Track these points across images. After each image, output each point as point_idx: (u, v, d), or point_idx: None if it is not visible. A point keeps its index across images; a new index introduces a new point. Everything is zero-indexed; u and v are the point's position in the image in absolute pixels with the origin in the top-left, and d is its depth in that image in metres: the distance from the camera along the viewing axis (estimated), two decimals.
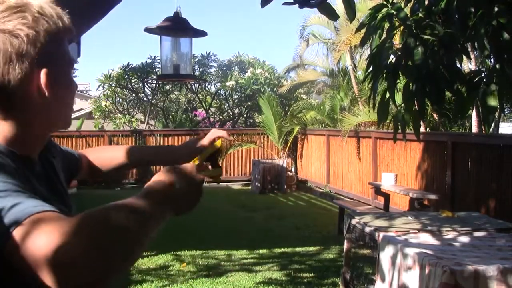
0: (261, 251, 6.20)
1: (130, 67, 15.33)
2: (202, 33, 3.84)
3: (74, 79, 1.02)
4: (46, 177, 1.00)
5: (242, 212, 9.05)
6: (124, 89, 16.59)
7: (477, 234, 3.43)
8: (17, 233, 0.69)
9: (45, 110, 0.92)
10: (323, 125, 12.31)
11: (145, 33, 3.79)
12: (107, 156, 1.39)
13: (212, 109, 17.36)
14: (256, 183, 11.70)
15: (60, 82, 0.94)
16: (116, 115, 16.25)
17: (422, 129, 7.79)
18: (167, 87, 16.61)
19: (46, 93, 0.90)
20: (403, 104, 2.80)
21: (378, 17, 2.64)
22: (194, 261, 5.74)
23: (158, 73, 14.03)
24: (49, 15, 0.91)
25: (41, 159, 1.00)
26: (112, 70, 15.58)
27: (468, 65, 9.79)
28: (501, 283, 2.43)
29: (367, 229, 3.63)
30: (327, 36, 14.80)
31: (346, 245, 4.09)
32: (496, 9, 2.39)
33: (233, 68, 17.07)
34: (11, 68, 0.86)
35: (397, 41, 4.29)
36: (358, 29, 3.04)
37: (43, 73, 0.89)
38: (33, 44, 0.87)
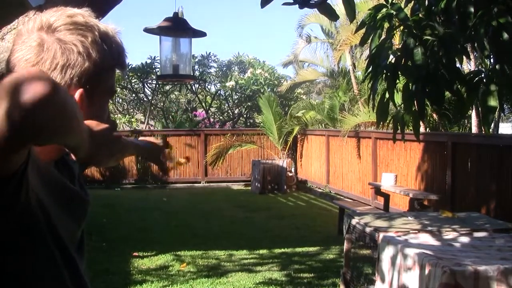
0: (261, 251, 6.20)
1: (130, 67, 15.32)
2: (201, 34, 3.85)
3: None
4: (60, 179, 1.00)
5: (242, 213, 9.05)
6: (124, 89, 16.60)
7: (477, 234, 3.43)
8: None
9: None
10: (323, 125, 12.31)
11: (145, 33, 3.80)
12: None
13: (212, 110, 17.37)
14: (256, 184, 11.70)
15: (92, 108, 0.94)
16: (116, 115, 16.26)
17: (422, 129, 7.79)
18: (167, 87, 16.62)
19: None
20: (402, 104, 2.80)
21: (378, 17, 2.65)
22: (194, 261, 5.74)
23: (158, 73, 14.03)
24: (109, 44, 0.94)
25: (58, 163, 1.00)
26: None
27: (467, 65, 9.79)
28: (501, 283, 2.43)
29: (367, 230, 3.63)
30: (328, 34, 14.79)
31: (346, 245, 4.09)
32: (495, 9, 2.39)
33: (233, 68, 17.08)
34: (52, 76, 0.89)
35: (396, 41, 4.29)
36: (358, 29, 3.05)
37: (78, 93, 0.90)
38: (81, 63, 0.90)
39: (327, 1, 2.54)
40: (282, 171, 11.73)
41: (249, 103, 15.97)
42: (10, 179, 0.73)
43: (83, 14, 0.92)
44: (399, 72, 2.70)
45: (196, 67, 15.84)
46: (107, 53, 0.93)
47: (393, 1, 2.66)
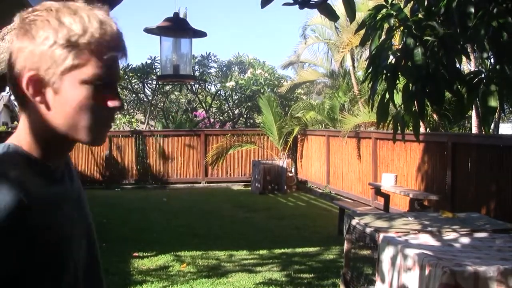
0: (261, 251, 6.20)
1: (130, 67, 15.34)
2: (201, 34, 3.85)
3: None
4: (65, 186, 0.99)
5: (242, 213, 9.05)
6: (124, 90, 16.60)
7: (477, 234, 3.42)
8: None
9: (41, 114, 0.90)
10: (323, 126, 12.31)
11: (145, 33, 3.80)
12: None
13: (212, 110, 17.38)
14: (256, 184, 11.70)
15: (62, 93, 0.89)
16: (116, 115, 16.26)
17: (422, 129, 7.79)
18: (167, 87, 16.63)
19: (33, 97, 0.89)
20: (402, 105, 2.80)
21: (378, 18, 2.64)
22: (194, 262, 5.74)
23: (158, 73, 14.04)
24: (68, 21, 0.87)
25: (64, 170, 0.99)
26: None
27: (467, 65, 9.79)
28: (501, 284, 2.43)
29: (367, 230, 3.63)
30: (328, 36, 14.80)
31: (346, 245, 4.09)
32: (495, 9, 2.39)
33: (233, 68, 17.09)
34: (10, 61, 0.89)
35: (396, 41, 4.29)
36: (358, 30, 3.04)
37: (27, 76, 0.88)
38: (30, 43, 0.88)
39: (327, 2, 2.54)
40: (282, 172, 11.73)
41: (249, 103, 15.98)
42: None
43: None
44: (399, 73, 2.70)
45: (196, 67, 15.85)
46: (58, 31, 0.87)
47: (393, 2, 2.66)
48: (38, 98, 0.89)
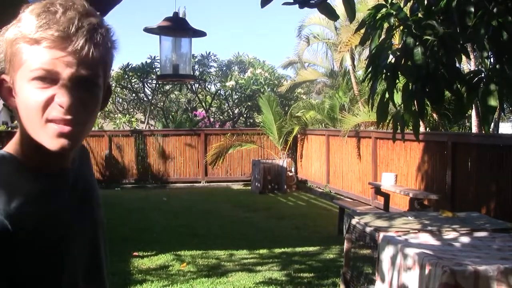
0: (261, 251, 6.20)
1: (130, 67, 15.34)
2: (201, 33, 3.85)
3: None
4: (73, 194, 0.97)
5: (242, 212, 9.05)
6: (124, 89, 16.61)
7: (477, 234, 3.43)
8: None
9: (20, 120, 0.87)
10: (323, 125, 12.31)
11: (145, 33, 3.80)
12: None
13: (212, 109, 17.37)
14: (256, 183, 11.70)
15: (18, 94, 0.86)
16: (116, 115, 16.27)
17: (422, 129, 7.79)
18: (167, 87, 16.63)
19: (6, 101, 0.89)
20: (402, 104, 2.80)
21: (378, 17, 2.64)
22: (194, 261, 5.74)
23: (158, 73, 14.03)
24: (23, 18, 0.85)
25: (66, 172, 0.96)
26: (112, 70, 15.47)
27: (468, 65, 9.79)
28: (501, 283, 2.43)
29: (367, 229, 3.63)
30: (327, 35, 14.80)
31: (346, 245, 4.09)
32: (495, 9, 2.39)
33: (233, 68, 17.08)
34: None
35: (396, 41, 4.29)
36: (358, 29, 3.04)
37: None
38: (4, 48, 0.87)
39: (327, 1, 2.54)
40: (282, 171, 11.73)
41: (249, 103, 15.97)
42: None
43: None
44: (399, 72, 2.70)
45: (196, 66, 15.84)
46: (16, 30, 0.84)
47: (393, 1, 2.66)
48: (10, 102, 0.88)
